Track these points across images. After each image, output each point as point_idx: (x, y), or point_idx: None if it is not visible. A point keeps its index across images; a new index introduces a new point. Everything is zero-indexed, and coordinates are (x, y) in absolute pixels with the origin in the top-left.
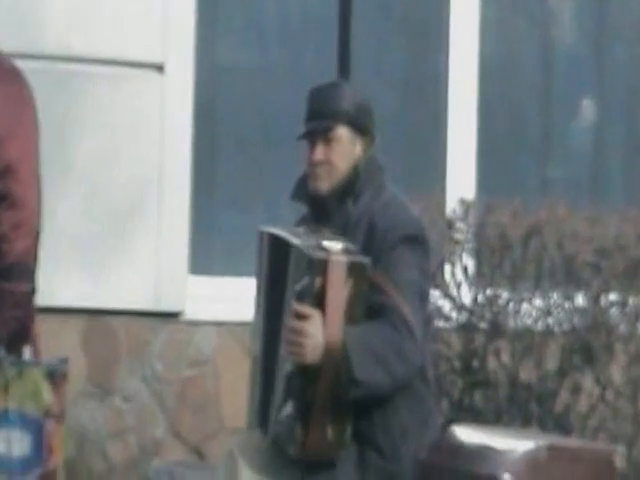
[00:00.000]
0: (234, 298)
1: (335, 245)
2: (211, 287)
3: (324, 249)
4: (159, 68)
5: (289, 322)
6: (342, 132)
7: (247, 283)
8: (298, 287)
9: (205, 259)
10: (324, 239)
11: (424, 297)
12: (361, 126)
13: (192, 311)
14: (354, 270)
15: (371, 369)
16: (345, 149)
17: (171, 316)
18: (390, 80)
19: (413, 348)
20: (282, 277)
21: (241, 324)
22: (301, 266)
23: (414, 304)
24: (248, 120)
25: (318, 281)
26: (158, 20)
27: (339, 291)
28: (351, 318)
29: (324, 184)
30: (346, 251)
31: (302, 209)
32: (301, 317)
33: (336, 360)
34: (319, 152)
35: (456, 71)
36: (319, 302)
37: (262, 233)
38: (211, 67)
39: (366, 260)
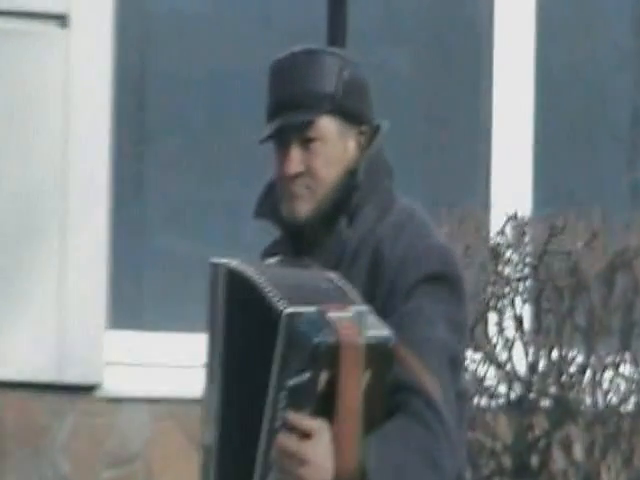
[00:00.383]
0: (175, 364)
1: (344, 314)
2: (141, 348)
3: (329, 324)
4: (61, 20)
5: (281, 440)
6: (327, 126)
7: (194, 341)
8: (292, 382)
9: (131, 307)
10: (323, 295)
11: (457, 363)
12: (354, 112)
13: (113, 383)
14: (374, 354)
15: None
16: (333, 150)
17: (82, 391)
18: (405, 37)
19: (447, 450)
20: (257, 346)
21: (185, 401)
22: (297, 351)
23: (442, 375)
24: (194, 95)
25: (324, 376)
26: None
27: (355, 390)
28: (369, 422)
29: (305, 206)
30: (359, 320)
31: (273, 229)
32: (300, 433)
33: None
34: (295, 160)
35: (504, 23)
36: (324, 405)
37: (216, 268)
38: (138, 16)
39: (389, 336)
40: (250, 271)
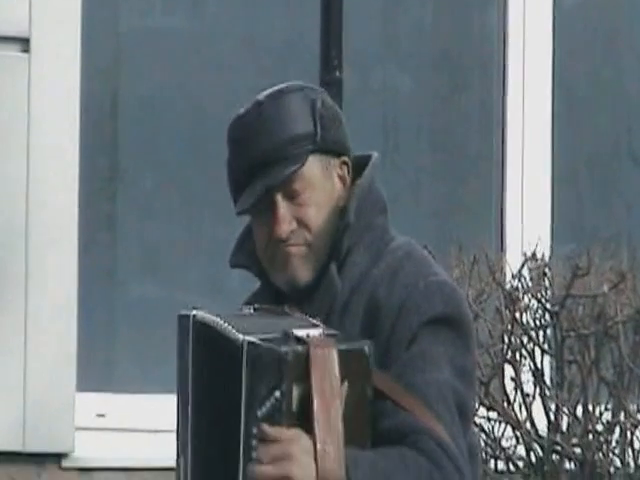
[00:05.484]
0: (154, 428)
1: (312, 331)
2: (114, 412)
3: (297, 339)
4: (23, 43)
5: (259, 452)
6: (311, 169)
7: (171, 403)
8: (263, 410)
9: (104, 366)
10: (292, 325)
11: (465, 412)
12: (334, 145)
13: (84, 452)
14: (350, 364)
15: None
16: (322, 193)
17: (50, 460)
18: (408, 55)
19: None
20: (228, 395)
21: (166, 470)
22: (263, 371)
23: (451, 420)
24: (171, 125)
25: (296, 391)
26: None
27: (331, 399)
28: (353, 436)
29: (306, 266)
30: (329, 334)
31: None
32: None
33: None
34: (286, 218)
35: (518, 39)
36: (301, 423)
37: (185, 320)
38: (107, 37)
39: (365, 346)
40: (219, 319)
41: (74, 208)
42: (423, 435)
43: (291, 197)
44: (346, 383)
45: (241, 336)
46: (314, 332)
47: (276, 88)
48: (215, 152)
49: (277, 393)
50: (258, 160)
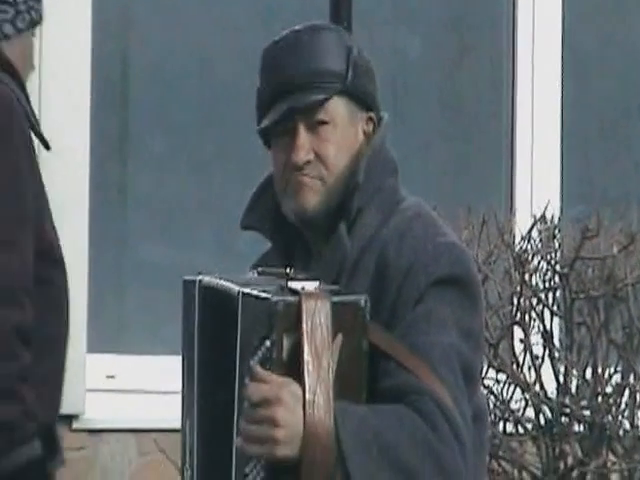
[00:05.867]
0: (164, 390)
1: (308, 285)
2: (124, 374)
3: (292, 291)
4: None
5: (248, 410)
6: (338, 108)
7: (180, 365)
8: (255, 359)
9: (115, 327)
10: (291, 281)
11: (471, 375)
12: (364, 95)
13: (94, 413)
14: (344, 317)
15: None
16: (344, 135)
17: (60, 421)
18: (417, 17)
19: (457, 454)
20: (232, 354)
21: (176, 432)
22: (256, 321)
23: (455, 383)
24: (181, 88)
25: (287, 341)
26: None
27: (322, 350)
28: (344, 396)
29: (315, 197)
30: (324, 289)
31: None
32: (264, 383)
33: (324, 460)
34: (305, 146)
35: (527, 0)
36: (291, 373)
37: (191, 285)
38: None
39: (362, 299)
40: (223, 282)
41: (85, 170)
42: (424, 396)
43: (313, 129)
44: (340, 336)
45: (237, 288)
46: (310, 285)
47: (316, 22)
48: (226, 114)
49: (267, 343)
50: (287, 84)
